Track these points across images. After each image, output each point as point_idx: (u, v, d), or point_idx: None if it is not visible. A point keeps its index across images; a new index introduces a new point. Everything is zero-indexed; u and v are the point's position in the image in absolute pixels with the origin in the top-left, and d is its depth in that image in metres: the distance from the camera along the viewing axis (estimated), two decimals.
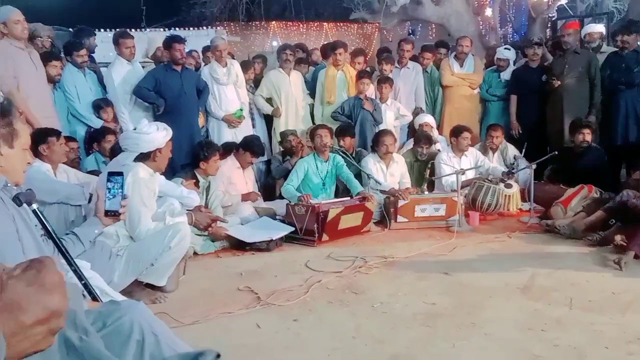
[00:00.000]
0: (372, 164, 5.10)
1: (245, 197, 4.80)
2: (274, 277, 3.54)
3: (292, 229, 4.34)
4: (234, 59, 6.04)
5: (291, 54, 5.94)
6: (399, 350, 2.43)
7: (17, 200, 1.73)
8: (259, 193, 5.07)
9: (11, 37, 4.25)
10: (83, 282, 1.83)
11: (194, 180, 4.17)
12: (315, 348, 2.49)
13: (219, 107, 5.62)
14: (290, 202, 4.59)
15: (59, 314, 0.75)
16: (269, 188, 5.41)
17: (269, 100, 5.98)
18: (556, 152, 5.03)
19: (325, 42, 8.98)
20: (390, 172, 5.16)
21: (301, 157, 5.22)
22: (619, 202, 3.98)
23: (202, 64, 6.16)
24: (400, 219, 4.73)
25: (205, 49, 6.26)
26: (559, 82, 5.69)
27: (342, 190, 5.17)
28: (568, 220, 4.33)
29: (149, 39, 5.71)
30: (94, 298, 1.84)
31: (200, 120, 5.59)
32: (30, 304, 0.72)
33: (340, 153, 5.08)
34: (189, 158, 4.51)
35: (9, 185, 1.76)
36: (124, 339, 1.47)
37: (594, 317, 2.73)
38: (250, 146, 4.87)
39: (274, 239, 4.16)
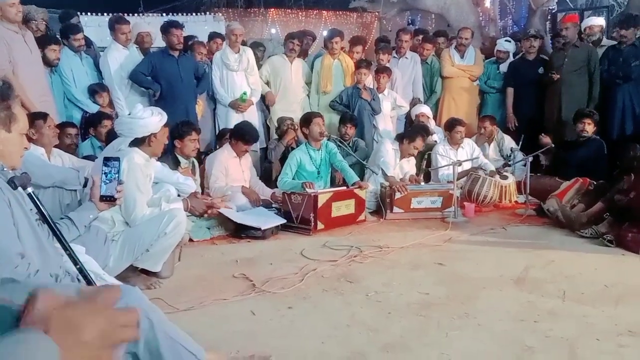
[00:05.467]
0: (389, 146, 5.09)
1: (246, 191, 4.62)
2: (269, 264, 3.54)
3: (284, 220, 4.32)
4: (246, 45, 6.00)
5: (298, 44, 5.91)
6: (392, 339, 2.44)
7: (12, 183, 1.72)
8: (260, 198, 4.70)
9: (5, 21, 4.20)
10: (78, 266, 1.83)
11: (189, 167, 4.14)
12: (310, 336, 2.50)
13: (226, 92, 5.59)
14: (287, 191, 4.57)
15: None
16: (266, 173, 5.41)
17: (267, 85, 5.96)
18: (553, 145, 5.03)
19: (324, 30, 8.91)
20: (400, 164, 5.16)
21: (290, 140, 5.20)
22: (615, 191, 4.01)
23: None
24: (396, 209, 4.74)
25: (213, 35, 6.21)
26: (558, 76, 5.68)
27: (338, 181, 5.17)
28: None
29: (131, 24, 5.60)
30: (89, 282, 1.84)
31: (199, 108, 5.53)
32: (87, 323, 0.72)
33: (338, 142, 5.07)
34: None
35: (5, 169, 1.75)
36: None
37: (586, 309, 2.75)
38: (240, 134, 4.66)
39: (262, 229, 4.11)
